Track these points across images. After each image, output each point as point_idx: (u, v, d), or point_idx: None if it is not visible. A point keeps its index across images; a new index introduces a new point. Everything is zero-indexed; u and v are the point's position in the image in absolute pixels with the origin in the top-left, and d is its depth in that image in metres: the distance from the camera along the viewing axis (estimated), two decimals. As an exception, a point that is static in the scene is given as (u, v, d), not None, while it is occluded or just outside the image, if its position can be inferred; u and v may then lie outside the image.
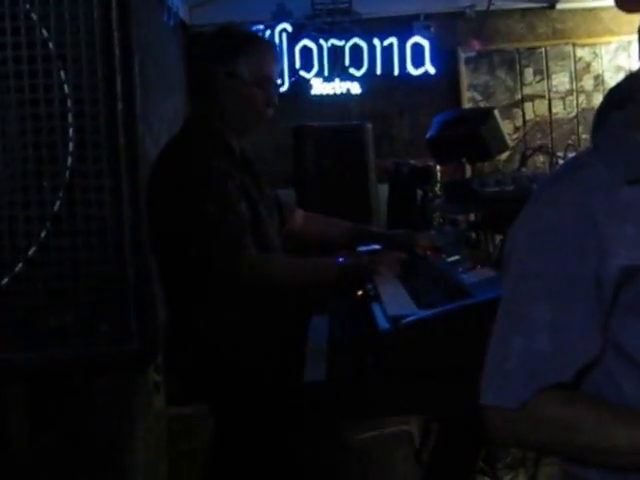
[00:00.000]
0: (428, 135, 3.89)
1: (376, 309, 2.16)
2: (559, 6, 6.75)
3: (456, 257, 2.80)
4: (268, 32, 6.54)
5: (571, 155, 3.54)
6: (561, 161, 3.47)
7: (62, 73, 1.39)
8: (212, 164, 2.58)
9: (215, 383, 2.64)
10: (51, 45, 1.39)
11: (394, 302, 2.15)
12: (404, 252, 3.07)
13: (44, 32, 1.38)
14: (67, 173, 1.38)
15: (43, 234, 1.38)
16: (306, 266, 2.77)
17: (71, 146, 1.38)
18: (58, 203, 1.37)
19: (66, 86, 1.39)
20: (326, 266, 2.77)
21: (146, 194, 2.65)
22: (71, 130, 1.38)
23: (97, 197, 1.38)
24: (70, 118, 1.38)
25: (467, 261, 2.63)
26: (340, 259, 3.32)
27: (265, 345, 2.64)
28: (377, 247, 3.27)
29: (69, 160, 1.38)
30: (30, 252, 1.38)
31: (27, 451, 1.81)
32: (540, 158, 5.05)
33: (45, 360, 1.40)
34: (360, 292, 2.81)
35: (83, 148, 1.38)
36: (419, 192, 4.61)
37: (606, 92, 1.50)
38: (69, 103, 1.39)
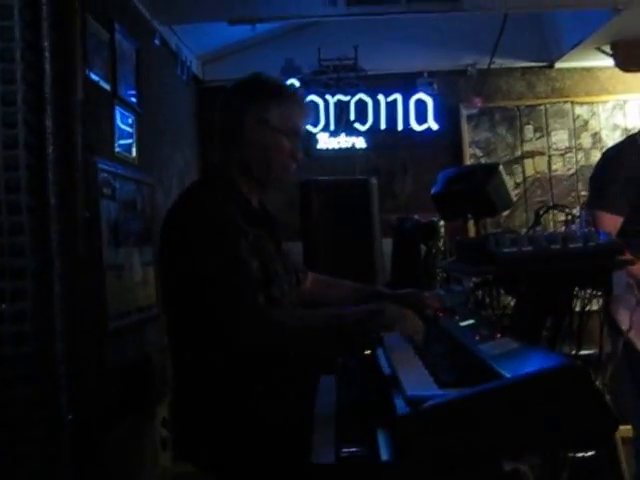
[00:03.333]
0: (433, 191, 3.66)
1: (393, 388, 1.87)
2: (558, 65, 6.61)
3: (470, 321, 2.53)
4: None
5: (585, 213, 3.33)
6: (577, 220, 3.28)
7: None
8: (226, 217, 2.35)
9: (219, 452, 2.35)
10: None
11: (412, 380, 1.85)
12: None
13: None
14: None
15: None
16: (321, 313, 2.51)
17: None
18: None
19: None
20: (343, 313, 2.45)
21: (159, 244, 2.46)
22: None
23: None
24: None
25: (483, 327, 2.35)
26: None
27: (271, 409, 2.35)
28: None
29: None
30: None
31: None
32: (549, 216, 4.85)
33: None
34: (368, 351, 2.56)
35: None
36: (423, 247, 4.41)
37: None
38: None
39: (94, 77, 3.80)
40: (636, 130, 4.00)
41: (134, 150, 4.47)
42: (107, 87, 4.04)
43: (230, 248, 2.30)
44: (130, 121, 4.42)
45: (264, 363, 2.35)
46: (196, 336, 2.34)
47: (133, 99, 4.50)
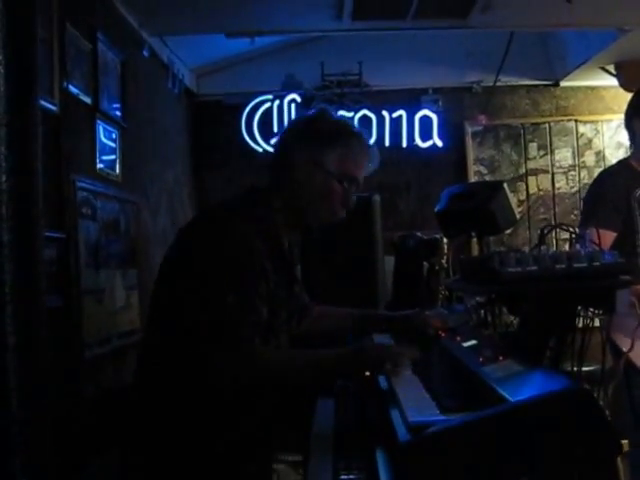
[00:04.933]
0: (437, 208, 3.62)
1: (394, 413, 1.81)
2: (562, 84, 6.61)
3: (473, 342, 2.47)
4: (277, 102, 6.33)
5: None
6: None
7: None
8: (254, 255, 2.21)
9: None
10: None
11: (413, 405, 1.79)
12: (415, 333, 2.79)
13: None
14: None
15: None
16: (305, 362, 2.30)
17: None
18: None
19: None
20: (327, 360, 2.30)
21: (167, 258, 2.33)
22: None
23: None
24: None
25: (486, 348, 2.29)
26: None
27: (266, 432, 2.27)
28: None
29: None
30: None
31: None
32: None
33: None
34: (367, 373, 2.48)
35: None
36: (425, 264, 4.36)
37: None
38: None
39: (73, 89, 3.67)
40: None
41: (118, 167, 4.32)
42: (88, 100, 3.90)
43: (248, 290, 2.16)
44: (114, 136, 4.28)
45: (243, 402, 2.23)
46: (178, 365, 2.19)
47: (117, 113, 4.36)
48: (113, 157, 4.28)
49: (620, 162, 4.17)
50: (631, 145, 4.04)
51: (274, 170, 2.44)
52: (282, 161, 2.41)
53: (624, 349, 3.34)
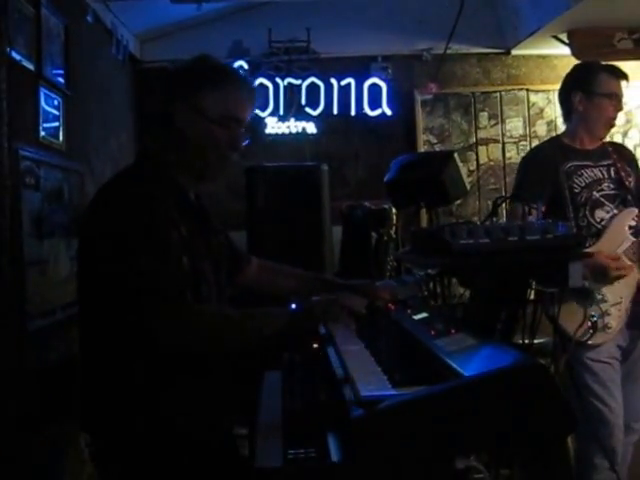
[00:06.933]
0: (387, 178, 3.62)
1: (345, 387, 1.80)
2: (514, 52, 6.60)
3: (423, 314, 2.48)
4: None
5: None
6: (534, 211, 3.29)
7: None
8: (158, 210, 2.17)
9: (146, 452, 2.17)
10: None
11: (365, 379, 1.79)
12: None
13: None
14: None
15: None
16: (249, 321, 2.25)
17: None
18: None
19: None
20: (272, 319, 2.26)
21: (80, 235, 2.31)
22: None
23: None
24: None
25: (437, 321, 2.30)
26: (293, 305, 3.02)
27: (207, 407, 2.24)
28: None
29: None
30: None
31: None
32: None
33: None
34: (316, 345, 2.49)
35: None
36: (373, 235, 4.37)
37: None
38: None
39: (16, 56, 3.60)
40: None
41: (61, 135, 4.25)
42: (31, 67, 3.83)
43: (162, 242, 2.14)
44: (57, 103, 4.21)
45: (185, 366, 2.19)
46: (114, 334, 2.17)
47: (60, 79, 4.29)
48: (56, 124, 4.21)
49: (551, 139, 4.22)
50: (565, 121, 4.04)
51: (157, 126, 2.40)
52: (163, 114, 2.34)
53: (570, 332, 3.37)
